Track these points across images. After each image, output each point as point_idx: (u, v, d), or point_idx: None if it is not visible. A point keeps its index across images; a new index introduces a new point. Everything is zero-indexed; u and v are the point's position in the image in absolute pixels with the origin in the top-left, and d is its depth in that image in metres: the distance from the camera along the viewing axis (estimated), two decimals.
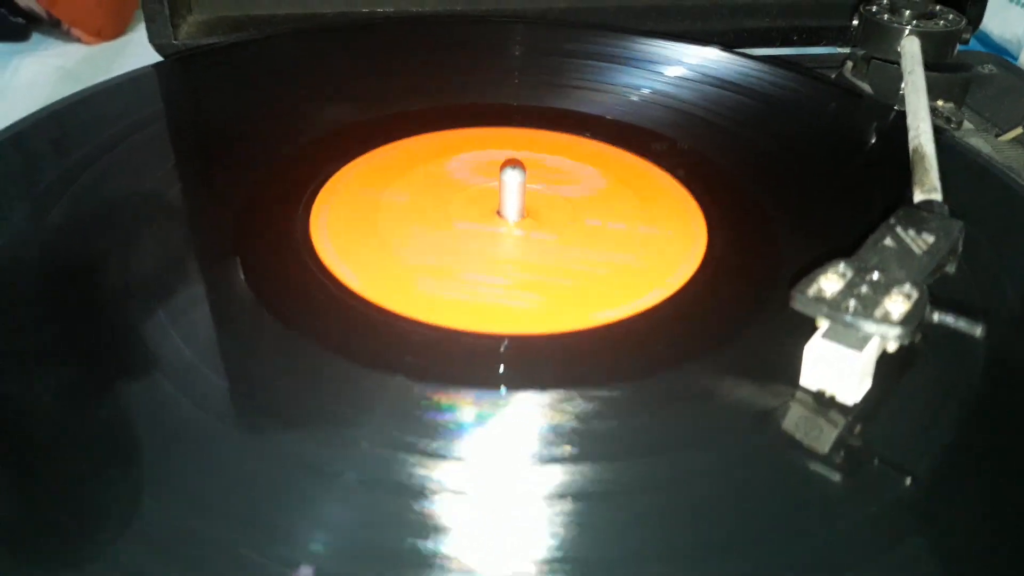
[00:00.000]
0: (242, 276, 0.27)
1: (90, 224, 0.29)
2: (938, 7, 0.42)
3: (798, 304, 0.24)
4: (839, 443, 0.22)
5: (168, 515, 0.19)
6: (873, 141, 0.38)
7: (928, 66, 0.37)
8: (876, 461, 0.22)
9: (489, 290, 0.27)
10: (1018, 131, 0.40)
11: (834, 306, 0.23)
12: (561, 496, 0.20)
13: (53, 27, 0.58)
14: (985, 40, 0.60)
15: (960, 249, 0.27)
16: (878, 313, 0.23)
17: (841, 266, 0.24)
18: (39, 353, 0.24)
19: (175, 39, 0.40)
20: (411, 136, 0.36)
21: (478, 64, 0.43)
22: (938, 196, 0.28)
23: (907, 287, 0.23)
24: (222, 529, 0.19)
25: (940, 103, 0.40)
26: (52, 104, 0.35)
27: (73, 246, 0.28)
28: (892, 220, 0.26)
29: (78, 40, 0.58)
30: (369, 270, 0.28)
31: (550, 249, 0.30)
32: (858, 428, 0.23)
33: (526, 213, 0.31)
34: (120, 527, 0.19)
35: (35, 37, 0.59)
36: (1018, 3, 0.59)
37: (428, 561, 0.19)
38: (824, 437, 0.23)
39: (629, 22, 0.47)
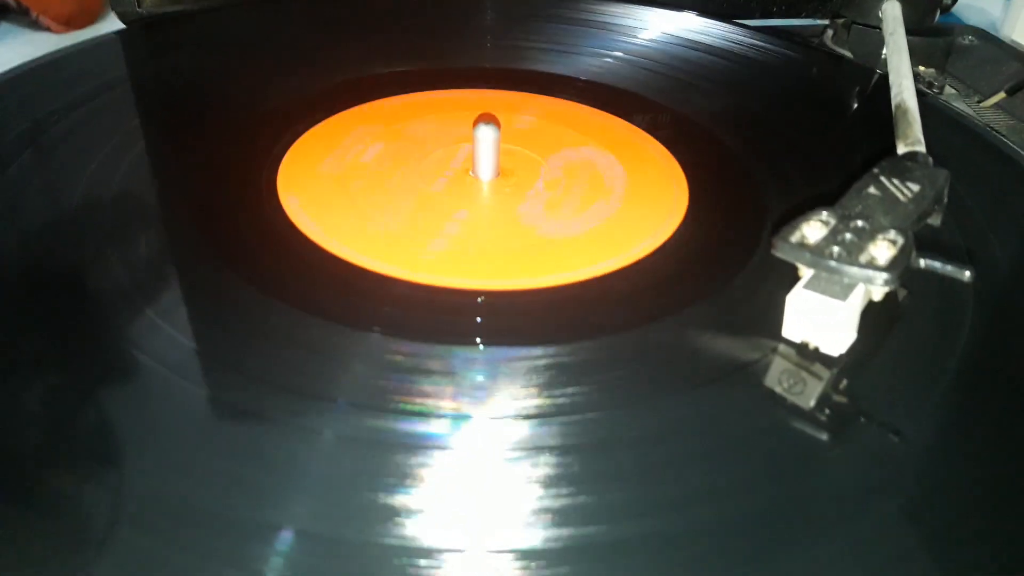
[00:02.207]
0: (208, 240, 0.26)
1: (48, 193, 0.28)
2: None
3: (780, 251, 0.23)
4: (823, 397, 0.22)
5: (149, 486, 0.18)
6: (854, 102, 0.38)
7: (909, 31, 0.37)
8: (861, 417, 0.21)
9: (463, 247, 0.27)
10: (1000, 96, 0.40)
11: (817, 252, 0.22)
12: (541, 449, 0.20)
13: (22, 16, 0.57)
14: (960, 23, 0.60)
15: (946, 200, 0.26)
16: (863, 258, 0.22)
17: (824, 214, 0.24)
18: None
19: (139, 7, 0.38)
20: (380, 99, 0.35)
21: (451, 29, 0.43)
22: (922, 148, 0.28)
23: (892, 233, 0.23)
24: (203, 496, 0.18)
25: (922, 68, 0.40)
26: (13, 69, 0.33)
27: (32, 211, 0.27)
28: (876, 170, 0.26)
29: (47, 29, 0.57)
30: (340, 231, 0.27)
31: (526, 207, 0.29)
32: (843, 382, 0.22)
33: (500, 172, 0.30)
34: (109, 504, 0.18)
35: (3, 26, 0.58)
36: None
37: (409, 517, 0.18)
38: (808, 391, 0.22)
39: None
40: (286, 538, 0.17)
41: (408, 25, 0.43)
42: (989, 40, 0.47)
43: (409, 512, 0.18)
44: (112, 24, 0.43)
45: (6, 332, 0.23)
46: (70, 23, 0.58)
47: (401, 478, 0.19)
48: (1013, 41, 0.50)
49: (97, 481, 0.19)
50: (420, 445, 0.20)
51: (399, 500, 0.18)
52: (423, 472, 0.19)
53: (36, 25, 0.57)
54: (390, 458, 0.19)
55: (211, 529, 0.18)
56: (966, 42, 0.46)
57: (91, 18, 0.59)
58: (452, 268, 0.26)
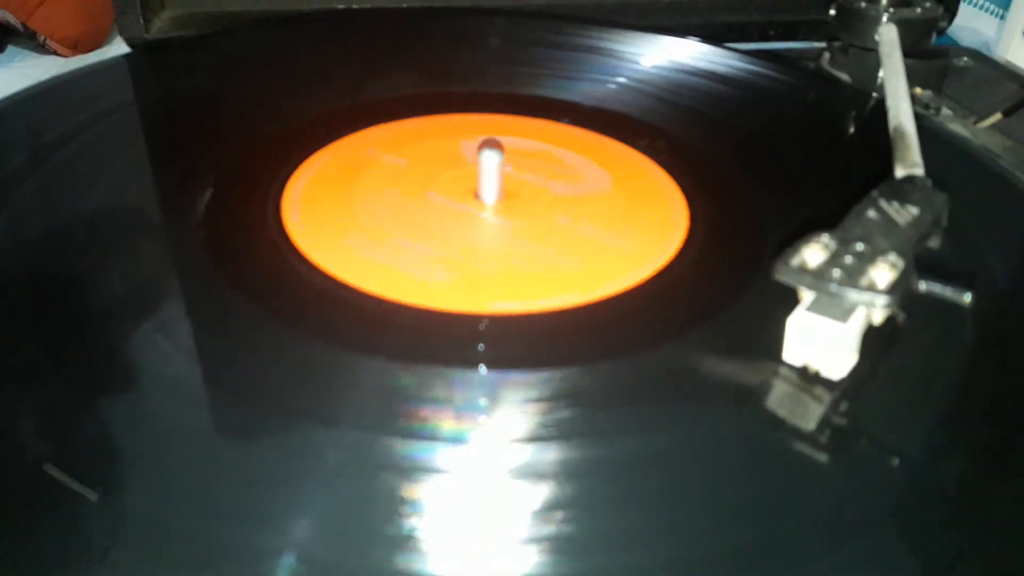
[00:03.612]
0: (214, 264, 0.27)
1: (54, 216, 0.29)
2: None
3: (781, 275, 0.23)
4: (824, 421, 0.22)
5: (145, 507, 0.18)
6: (852, 126, 0.38)
7: (905, 53, 0.37)
8: (863, 440, 0.22)
9: (468, 271, 0.27)
10: (997, 117, 0.40)
11: (818, 276, 0.23)
12: (542, 476, 0.20)
13: (29, 39, 0.57)
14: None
15: (944, 223, 0.26)
16: (864, 282, 0.22)
17: (824, 237, 0.24)
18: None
19: (147, 33, 0.39)
20: (384, 123, 0.36)
21: (456, 56, 0.43)
22: (920, 171, 0.28)
23: (892, 256, 0.23)
24: (204, 519, 0.18)
25: (918, 90, 0.40)
26: (21, 91, 0.34)
27: (39, 233, 0.28)
28: (875, 193, 0.26)
29: (54, 53, 0.58)
30: (344, 254, 0.27)
31: (529, 230, 0.29)
32: (844, 405, 0.22)
33: (504, 195, 0.30)
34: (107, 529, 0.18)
35: (10, 49, 0.58)
36: (986, 10, 0.60)
37: (411, 544, 0.18)
38: (809, 414, 0.22)
39: (607, 19, 0.47)
40: (286, 563, 0.17)
41: (412, 49, 0.43)
42: (984, 61, 0.47)
43: (410, 538, 0.18)
44: (119, 47, 0.43)
45: (6, 348, 0.23)
46: (77, 46, 0.58)
47: (403, 503, 0.19)
48: (1007, 62, 0.50)
49: (91, 501, 0.18)
50: (422, 470, 0.20)
51: (401, 525, 0.18)
52: (425, 498, 0.19)
53: (43, 48, 0.57)
54: (392, 483, 0.19)
55: (208, 552, 0.18)
56: (961, 63, 0.47)
57: (98, 41, 0.59)
58: (455, 292, 0.26)
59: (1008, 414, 0.23)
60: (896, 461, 0.21)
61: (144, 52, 0.40)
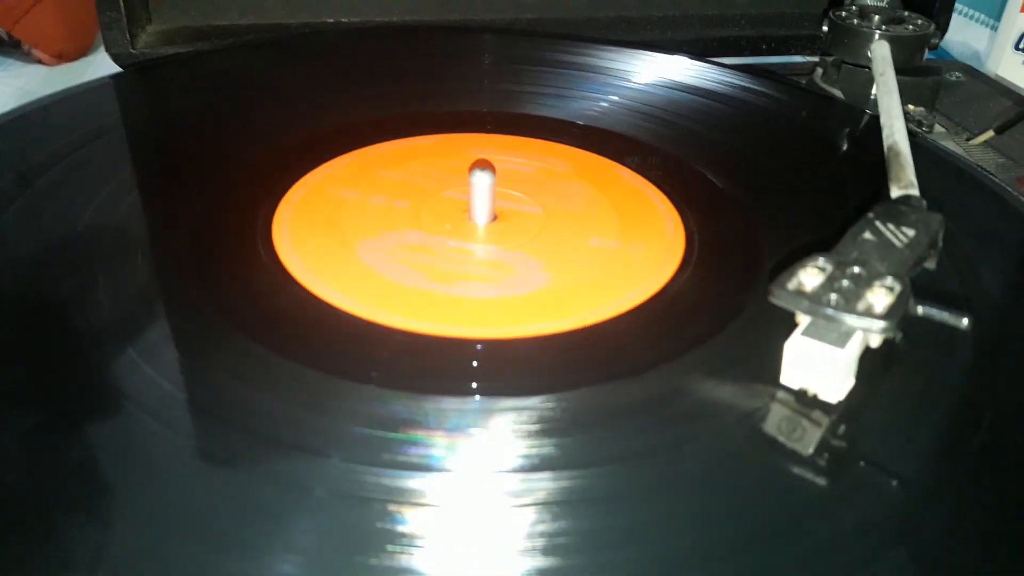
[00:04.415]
0: (203, 289, 0.26)
1: (42, 235, 0.28)
2: (906, 12, 0.43)
3: (777, 299, 0.23)
4: (822, 444, 0.22)
5: (137, 542, 0.18)
6: (847, 143, 0.38)
7: (898, 70, 0.37)
8: (861, 462, 0.21)
9: (458, 295, 0.27)
10: (989, 134, 0.40)
11: (815, 300, 0.22)
12: (537, 504, 0.19)
13: (13, 48, 0.57)
14: (947, 58, 0.61)
15: (940, 244, 0.26)
16: (860, 306, 0.22)
17: (820, 260, 0.24)
18: None
19: (133, 48, 0.38)
20: (376, 144, 0.35)
21: (447, 73, 0.43)
22: (915, 192, 0.28)
23: (889, 280, 0.23)
24: (190, 551, 0.18)
25: (911, 107, 0.40)
26: (9, 112, 0.33)
27: (26, 255, 0.27)
28: (871, 214, 0.26)
29: (39, 62, 0.57)
30: (334, 277, 0.27)
31: (521, 252, 0.29)
32: (842, 428, 0.22)
33: (496, 216, 0.30)
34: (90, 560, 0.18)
35: None
36: (978, 21, 0.60)
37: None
38: (807, 438, 0.22)
39: (598, 34, 0.46)
40: None
41: (405, 69, 0.43)
42: (976, 76, 0.48)
43: (400, 570, 0.18)
44: (104, 57, 0.43)
45: None
46: (62, 56, 0.58)
47: (393, 537, 0.18)
48: (999, 76, 0.50)
49: (72, 532, 0.18)
50: (413, 502, 0.19)
51: (391, 557, 0.18)
52: (416, 529, 0.19)
53: (28, 57, 0.57)
54: (383, 513, 0.19)
55: None
56: (953, 78, 0.47)
57: (83, 51, 0.59)
58: (445, 316, 0.26)
59: (1007, 435, 0.22)
60: (895, 483, 0.21)
61: (135, 72, 0.40)
